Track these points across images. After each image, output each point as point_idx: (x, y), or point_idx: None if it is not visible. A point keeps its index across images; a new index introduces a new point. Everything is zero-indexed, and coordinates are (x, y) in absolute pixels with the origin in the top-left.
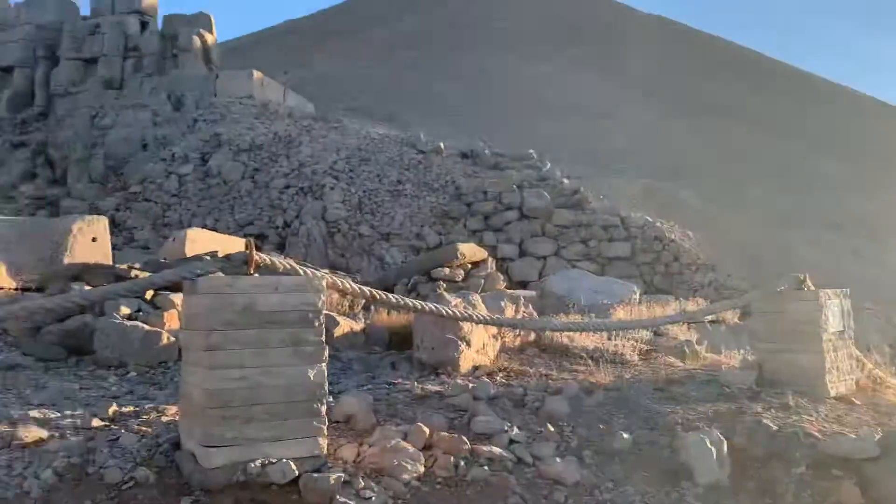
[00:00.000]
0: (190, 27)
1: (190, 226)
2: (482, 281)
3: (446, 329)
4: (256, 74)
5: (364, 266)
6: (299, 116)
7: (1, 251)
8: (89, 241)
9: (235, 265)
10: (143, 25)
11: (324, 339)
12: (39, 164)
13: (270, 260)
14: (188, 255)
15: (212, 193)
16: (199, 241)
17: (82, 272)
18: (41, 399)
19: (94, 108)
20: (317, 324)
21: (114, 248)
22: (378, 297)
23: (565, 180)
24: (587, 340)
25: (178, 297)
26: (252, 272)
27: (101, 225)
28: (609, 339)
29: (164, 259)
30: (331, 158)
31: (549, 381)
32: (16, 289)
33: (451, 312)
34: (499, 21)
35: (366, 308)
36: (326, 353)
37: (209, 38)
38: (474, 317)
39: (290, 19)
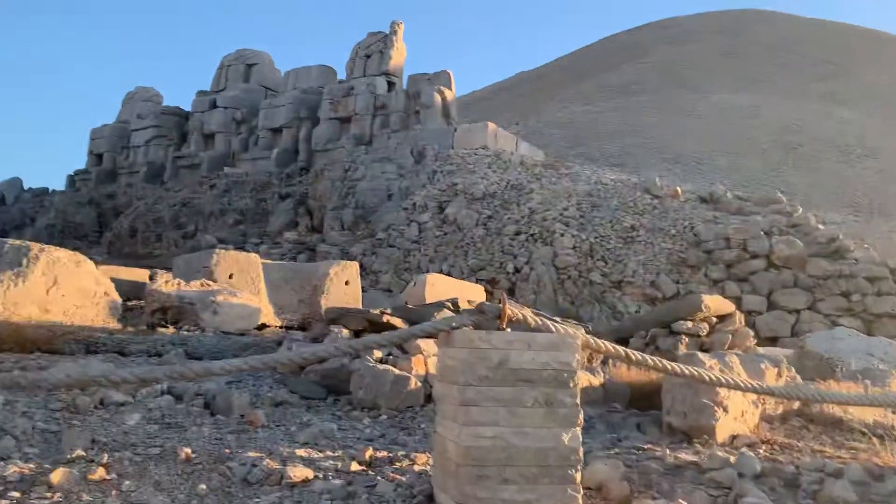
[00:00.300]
0: (431, 85)
1: (427, 270)
2: (729, 336)
3: (700, 392)
4: (490, 126)
5: (595, 314)
6: (530, 164)
7: (271, 292)
8: (343, 285)
9: (488, 318)
10: (391, 85)
11: (578, 400)
12: (301, 213)
13: (522, 314)
14: (427, 299)
15: (447, 240)
16: (437, 285)
17: (340, 316)
18: (305, 437)
19: (347, 163)
20: (571, 384)
21: (362, 290)
22: (634, 358)
23: (820, 226)
24: (866, 413)
25: (424, 342)
26: (504, 327)
27: (353, 270)
28: (894, 412)
29: (406, 302)
30: (561, 205)
31: (825, 460)
32: (281, 326)
33: (713, 378)
34: (732, 59)
35: (603, 361)
36: (581, 416)
37: (448, 95)
38: (740, 384)
39: (522, 71)
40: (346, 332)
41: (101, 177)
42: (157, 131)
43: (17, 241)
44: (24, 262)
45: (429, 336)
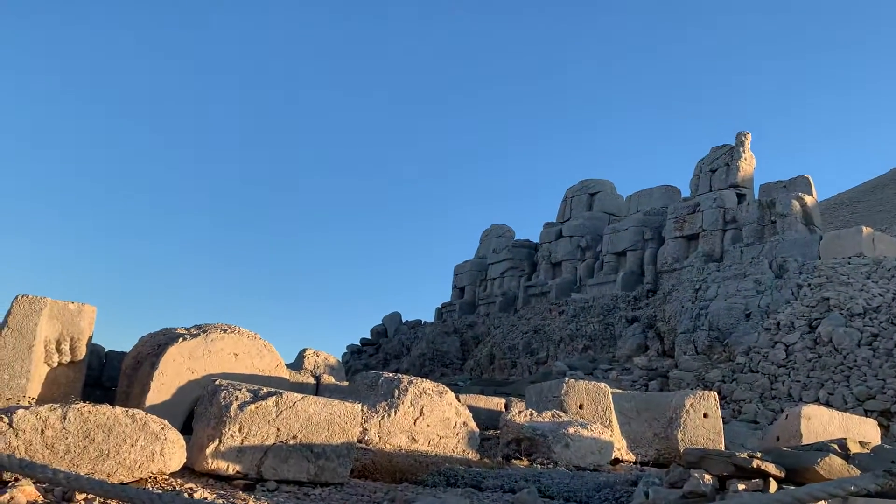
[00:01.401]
0: (787, 192)
1: (800, 398)
2: None
3: None
4: (865, 230)
5: None
6: None
7: (623, 424)
8: (700, 417)
9: None
10: (740, 198)
11: None
12: (650, 336)
13: None
14: (804, 436)
15: (823, 363)
16: (815, 419)
17: (700, 458)
18: None
19: (696, 282)
20: None
21: (721, 421)
22: None
23: None
24: None
25: None
26: None
27: (711, 401)
28: None
29: (778, 438)
30: None
31: None
32: (635, 462)
33: None
34: None
35: None
36: None
37: (808, 200)
38: None
39: None
40: (708, 477)
41: (464, 308)
42: (510, 263)
43: (390, 374)
44: (396, 393)
45: (815, 501)
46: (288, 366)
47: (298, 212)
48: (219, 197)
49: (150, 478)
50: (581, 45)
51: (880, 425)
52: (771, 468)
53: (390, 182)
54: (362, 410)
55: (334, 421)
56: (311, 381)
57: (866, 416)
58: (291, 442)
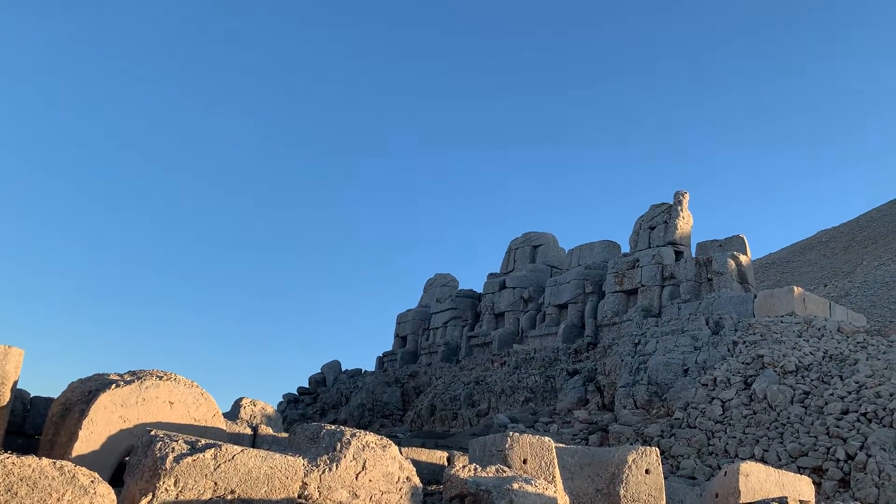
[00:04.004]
0: (723, 251)
1: (736, 454)
2: None
3: None
4: (796, 290)
5: None
6: (851, 331)
7: (566, 479)
8: (643, 473)
9: None
10: (678, 255)
11: None
12: (590, 390)
13: None
14: (742, 493)
15: (757, 420)
16: (753, 475)
17: None
18: None
19: (636, 336)
20: None
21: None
22: None
23: None
24: None
25: None
26: None
27: (653, 456)
28: None
29: (716, 495)
30: None
31: None
32: None
33: None
34: None
35: None
36: None
37: (743, 259)
38: None
39: (823, 230)
40: None
41: (405, 357)
42: (453, 313)
43: (332, 426)
44: (338, 446)
45: None
46: (224, 415)
47: (236, 258)
48: (154, 241)
49: None
50: (524, 96)
51: (813, 483)
52: None
53: (333, 228)
54: (303, 464)
55: (275, 475)
56: (248, 431)
57: (800, 473)
58: (229, 497)
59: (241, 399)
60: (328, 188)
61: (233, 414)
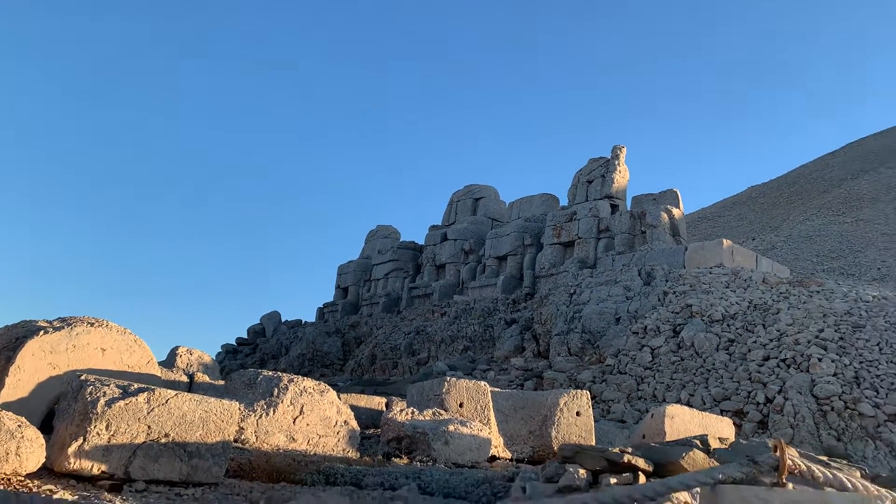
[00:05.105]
0: (657, 204)
1: (664, 399)
2: None
3: None
4: (725, 243)
5: (869, 453)
6: (774, 282)
7: (500, 422)
8: (573, 415)
9: (762, 471)
10: (613, 208)
11: None
12: (527, 338)
13: (806, 465)
14: (668, 434)
15: (685, 366)
16: (678, 418)
17: (575, 454)
18: None
19: (571, 287)
20: None
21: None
22: None
23: None
24: None
25: (682, 495)
26: (784, 482)
27: (584, 400)
28: None
29: (643, 436)
30: (816, 326)
31: None
32: (511, 459)
33: None
34: None
35: None
36: None
37: (676, 213)
38: None
39: (753, 186)
40: (582, 472)
41: (347, 308)
42: (394, 265)
43: (269, 372)
44: (275, 391)
45: (688, 489)
46: (160, 364)
47: (175, 208)
48: (88, 191)
49: (2, 479)
50: (471, 50)
51: (734, 424)
52: (640, 462)
53: (276, 181)
54: (239, 409)
55: (210, 419)
56: (184, 379)
57: (722, 416)
58: (163, 440)
59: (177, 348)
60: (269, 136)
61: (169, 363)
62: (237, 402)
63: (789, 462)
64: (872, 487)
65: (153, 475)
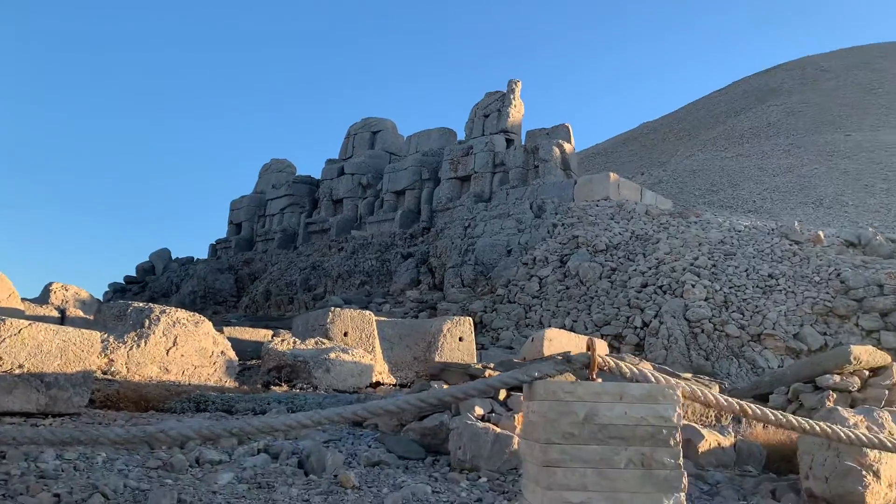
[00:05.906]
0: (550, 139)
1: (550, 326)
2: (885, 392)
3: (843, 454)
4: (612, 176)
5: (733, 370)
6: (656, 214)
7: (386, 349)
8: (457, 340)
9: (576, 367)
10: (509, 143)
11: (681, 461)
12: (423, 271)
13: (615, 362)
14: (545, 355)
15: (570, 294)
16: (556, 340)
17: (441, 371)
18: (394, 500)
19: (466, 220)
20: (672, 443)
21: (482, 347)
22: (751, 411)
23: None
24: None
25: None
26: (594, 377)
27: (466, 325)
28: None
29: (523, 359)
30: (691, 254)
31: None
32: (395, 384)
33: (851, 437)
34: (874, 95)
35: (736, 420)
36: (685, 480)
37: (567, 148)
38: (887, 444)
39: (645, 122)
40: (445, 387)
41: (240, 244)
42: (290, 199)
43: (140, 304)
44: (146, 323)
45: (507, 386)
46: (32, 300)
47: (57, 137)
48: None
49: None
50: None
51: (611, 346)
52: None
53: (165, 114)
54: (109, 340)
55: (68, 349)
56: (55, 314)
57: (602, 339)
58: (17, 371)
59: (50, 284)
60: (159, 64)
61: (42, 299)
62: (98, 332)
63: (599, 360)
64: (665, 378)
65: (7, 407)
